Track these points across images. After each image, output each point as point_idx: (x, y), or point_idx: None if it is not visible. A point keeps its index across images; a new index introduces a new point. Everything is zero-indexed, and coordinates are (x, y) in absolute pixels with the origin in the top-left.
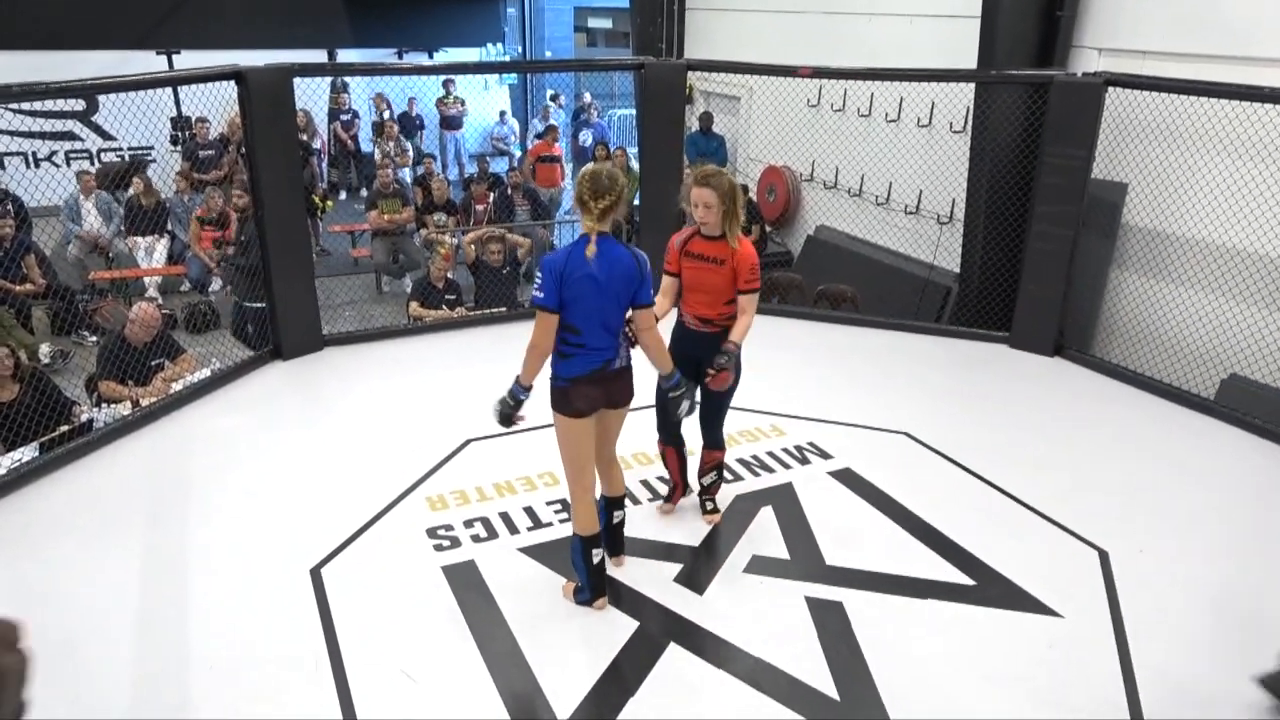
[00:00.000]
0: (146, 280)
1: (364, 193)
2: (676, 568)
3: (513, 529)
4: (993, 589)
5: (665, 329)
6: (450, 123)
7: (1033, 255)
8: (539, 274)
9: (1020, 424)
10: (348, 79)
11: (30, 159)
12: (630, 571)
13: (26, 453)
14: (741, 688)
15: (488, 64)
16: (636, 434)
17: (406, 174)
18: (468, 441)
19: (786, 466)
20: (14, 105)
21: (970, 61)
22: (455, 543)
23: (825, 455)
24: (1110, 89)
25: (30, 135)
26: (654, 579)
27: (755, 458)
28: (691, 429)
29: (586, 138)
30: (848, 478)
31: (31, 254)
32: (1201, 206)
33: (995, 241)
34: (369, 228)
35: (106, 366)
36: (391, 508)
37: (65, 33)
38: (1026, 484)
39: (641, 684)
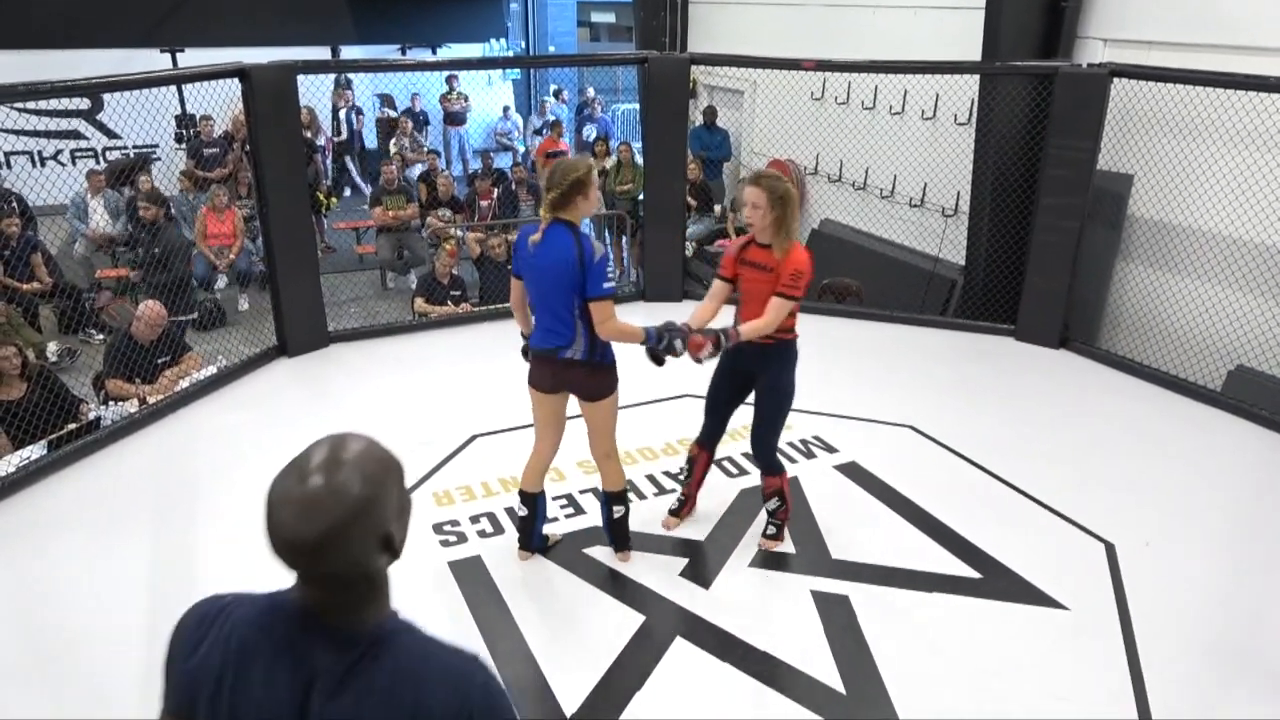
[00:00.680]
0: None
1: (368, 190)
2: (683, 562)
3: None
4: (998, 582)
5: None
6: (454, 119)
7: (1038, 247)
8: None
9: (1026, 417)
10: (351, 75)
11: (36, 158)
12: (636, 566)
13: (34, 451)
14: (748, 682)
15: (491, 60)
16: (644, 428)
17: (416, 169)
18: (474, 437)
19: (792, 460)
20: (19, 104)
21: (974, 53)
22: (462, 538)
23: (830, 449)
24: (1115, 80)
25: (35, 134)
26: (660, 573)
27: None
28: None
29: (590, 133)
30: (853, 471)
31: (38, 252)
32: (1207, 198)
33: (1000, 234)
34: (374, 224)
35: (114, 364)
36: None
37: (69, 31)
38: (1032, 477)
39: (648, 678)
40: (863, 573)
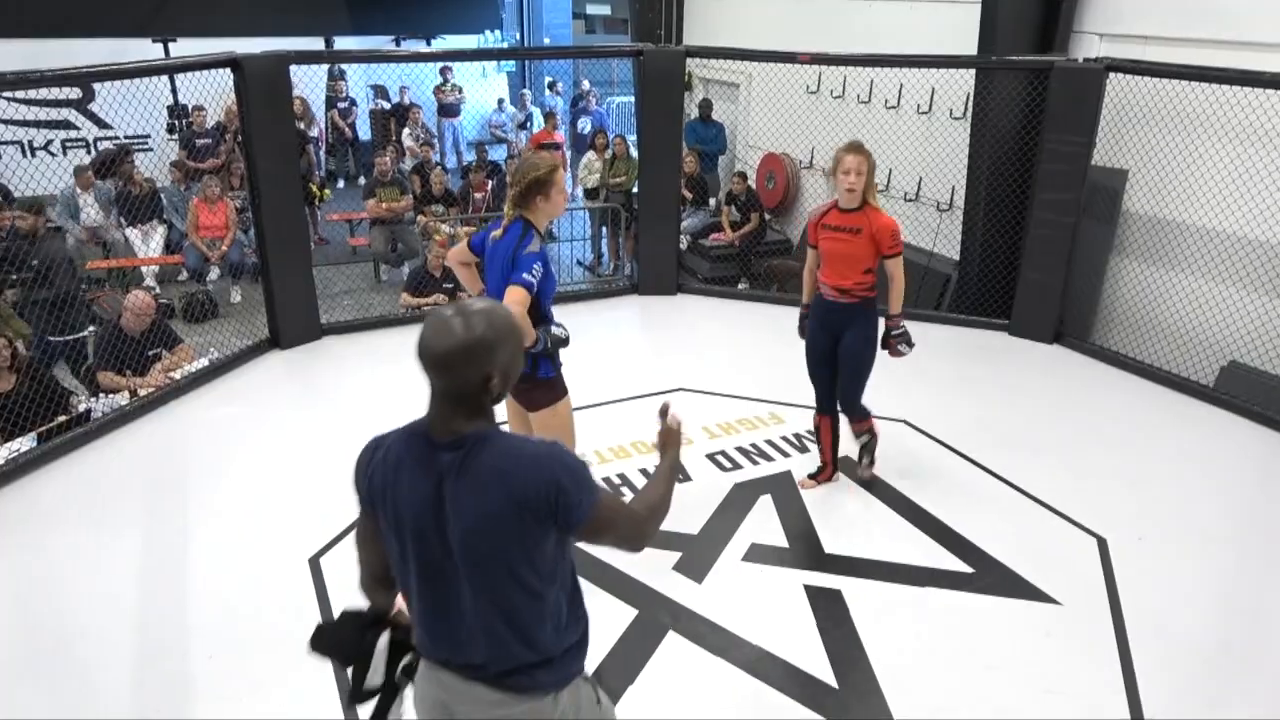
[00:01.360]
0: (144, 270)
1: (361, 181)
2: (675, 556)
3: None
4: (991, 576)
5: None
6: (448, 110)
7: (1033, 242)
8: None
9: (1019, 412)
10: (345, 66)
11: (26, 147)
12: (629, 559)
13: (24, 443)
14: (740, 675)
15: (486, 51)
16: (637, 423)
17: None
18: None
19: (785, 455)
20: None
21: (971, 47)
22: None
23: None
24: (1111, 75)
25: (26, 124)
26: (653, 567)
27: (754, 446)
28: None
29: (585, 125)
30: (846, 465)
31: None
32: (1202, 193)
33: (995, 228)
34: (367, 216)
35: (103, 356)
36: None
37: (61, 20)
38: (1025, 471)
39: (640, 671)
40: (855, 567)
